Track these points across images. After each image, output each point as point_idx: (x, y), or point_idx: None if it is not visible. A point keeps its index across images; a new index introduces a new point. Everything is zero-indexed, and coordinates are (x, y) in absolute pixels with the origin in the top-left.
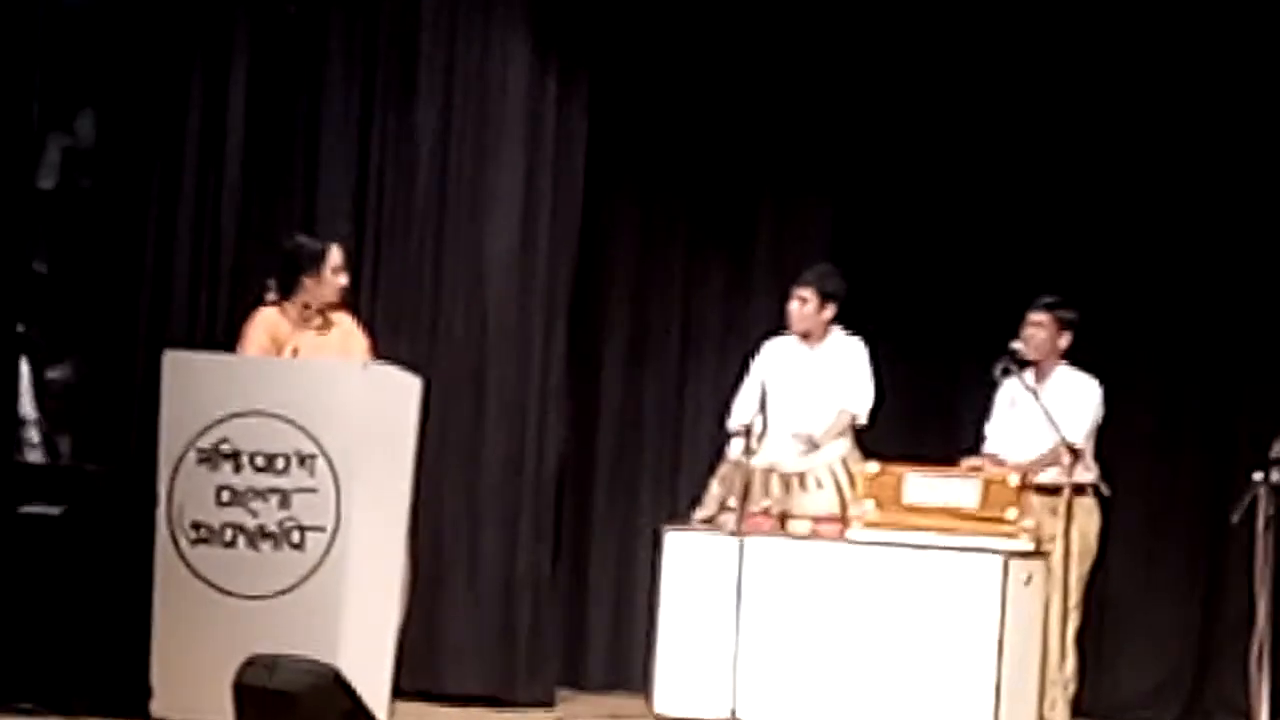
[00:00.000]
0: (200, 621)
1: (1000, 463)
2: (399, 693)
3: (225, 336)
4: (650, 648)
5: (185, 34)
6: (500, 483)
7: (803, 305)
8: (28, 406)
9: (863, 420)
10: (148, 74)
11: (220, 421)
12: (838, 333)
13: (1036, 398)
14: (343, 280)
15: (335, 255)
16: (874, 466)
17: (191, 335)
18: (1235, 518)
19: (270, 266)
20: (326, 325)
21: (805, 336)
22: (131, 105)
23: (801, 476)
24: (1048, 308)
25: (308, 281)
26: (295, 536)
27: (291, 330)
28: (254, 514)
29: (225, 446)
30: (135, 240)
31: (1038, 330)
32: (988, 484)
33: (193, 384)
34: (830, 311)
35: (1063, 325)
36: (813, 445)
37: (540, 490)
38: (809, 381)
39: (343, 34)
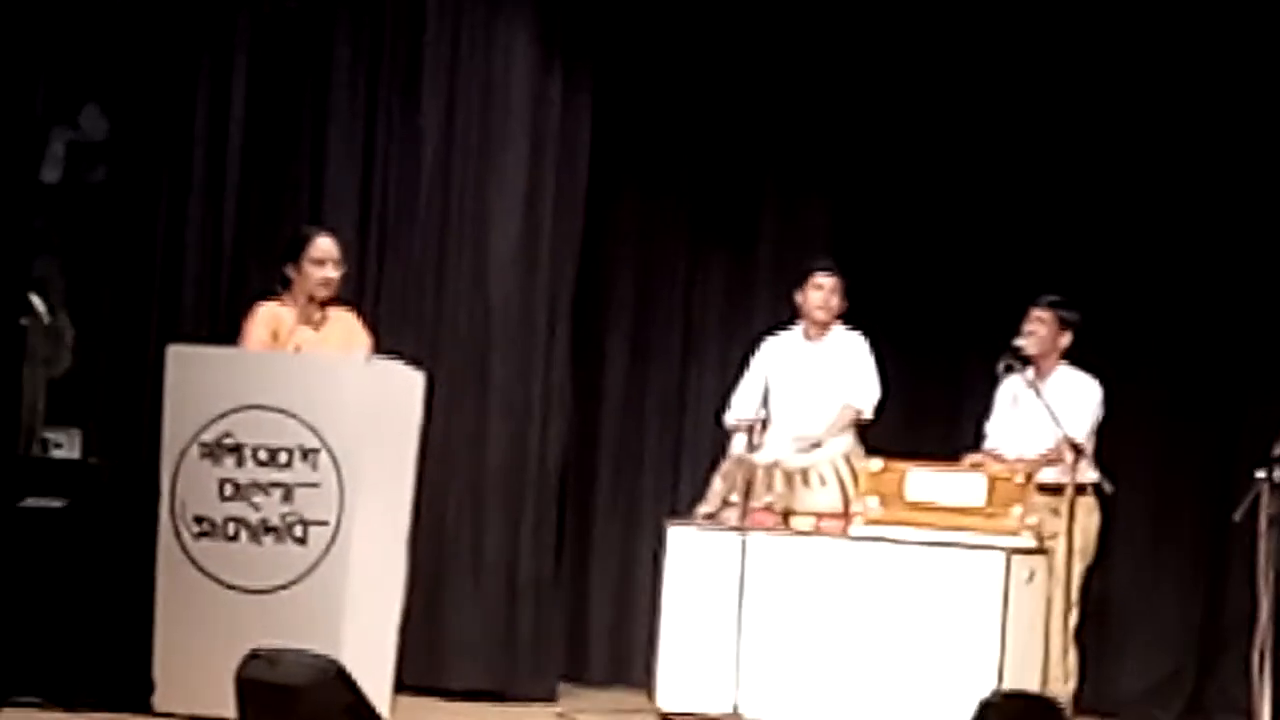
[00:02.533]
0: (203, 615)
1: (1001, 459)
2: (401, 687)
3: (233, 330)
4: (653, 643)
5: (191, 26)
6: (503, 478)
7: (829, 294)
8: None
9: (868, 415)
10: (153, 67)
11: (223, 415)
12: (839, 328)
13: (1038, 394)
14: (327, 272)
15: (319, 245)
16: (877, 463)
17: (200, 329)
18: (1237, 516)
19: (275, 260)
20: (326, 321)
21: (815, 329)
22: (137, 98)
23: (804, 473)
24: (1050, 305)
25: (290, 270)
26: (298, 531)
27: (293, 326)
28: (257, 508)
29: (228, 440)
30: (144, 234)
31: (1039, 326)
32: (993, 480)
33: (196, 378)
34: (844, 304)
35: (1064, 324)
36: (818, 441)
37: (543, 486)
38: (814, 377)
39: (348, 29)
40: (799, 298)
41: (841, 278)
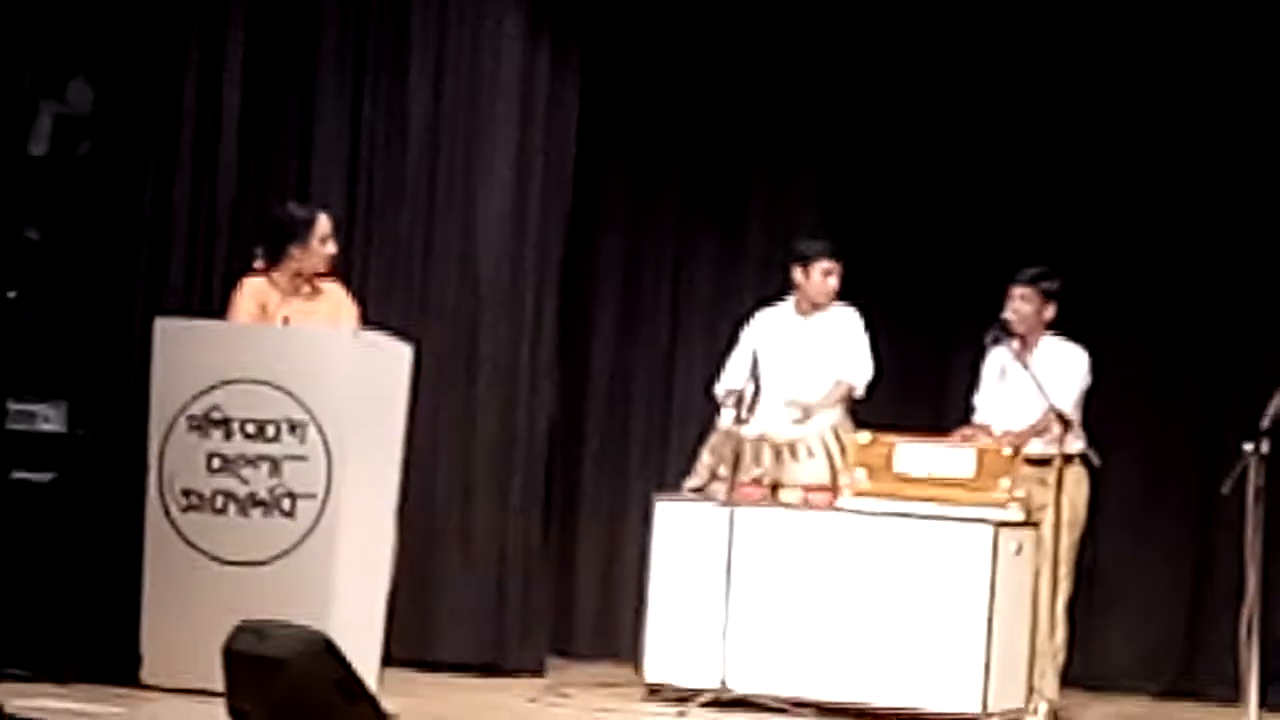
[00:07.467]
0: (190, 589)
1: (989, 433)
2: (389, 660)
3: (221, 305)
4: (640, 617)
5: (180, 1)
6: (491, 451)
7: (832, 279)
8: None
9: (860, 392)
10: (141, 40)
11: (211, 389)
12: (833, 303)
13: (1025, 366)
14: (331, 249)
15: (323, 224)
16: (865, 436)
17: (187, 303)
18: (1225, 489)
19: (262, 234)
20: (315, 294)
21: (810, 305)
22: (126, 72)
23: (792, 446)
24: (1030, 281)
25: (295, 250)
26: (286, 504)
27: (281, 299)
28: (245, 481)
29: (216, 414)
30: (131, 208)
31: (1024, 304)
32: (981, 453)
33: (184, 351)
34: None
35: (1046, 296)
36: (807, 413)
37: (531, 458)
38: (806, 351)
39: (337, 4)
40: (799, 276)
41: (841, 263)
